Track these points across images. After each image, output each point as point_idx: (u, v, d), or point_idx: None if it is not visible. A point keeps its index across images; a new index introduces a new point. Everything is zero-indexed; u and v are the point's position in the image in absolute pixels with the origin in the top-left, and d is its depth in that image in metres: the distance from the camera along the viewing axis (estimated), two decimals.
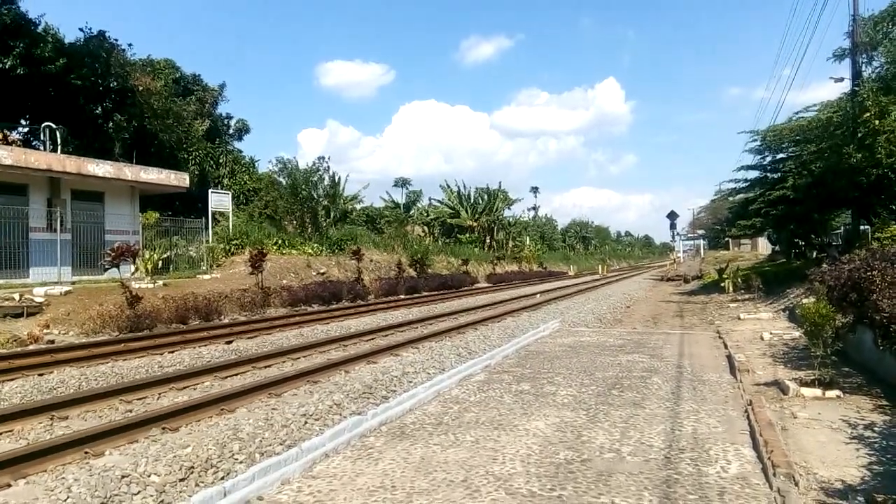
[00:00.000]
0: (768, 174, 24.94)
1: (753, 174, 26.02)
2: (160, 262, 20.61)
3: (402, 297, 24.86)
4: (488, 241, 54.05)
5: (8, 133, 22.09)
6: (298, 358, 10.47)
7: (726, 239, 63.19)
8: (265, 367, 9.67)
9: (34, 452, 5.14)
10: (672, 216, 50.32)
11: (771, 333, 12.14)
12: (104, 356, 10.31)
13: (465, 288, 31.84)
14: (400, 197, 60.69)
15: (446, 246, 45.17)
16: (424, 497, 4.28)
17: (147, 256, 19.54)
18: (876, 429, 5.77)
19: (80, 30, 30.09)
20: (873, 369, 8.02)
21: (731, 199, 32.70)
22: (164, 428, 6.08)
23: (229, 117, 42.50)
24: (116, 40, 31.17)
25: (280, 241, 26.29)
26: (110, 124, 29.29)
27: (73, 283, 17.54)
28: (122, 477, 4.67)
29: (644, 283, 39.94)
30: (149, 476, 4.76)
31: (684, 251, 64.67)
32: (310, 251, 26.84)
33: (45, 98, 26.72)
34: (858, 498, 4.01)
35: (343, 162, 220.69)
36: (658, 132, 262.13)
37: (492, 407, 6.78)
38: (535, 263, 53.23)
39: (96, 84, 28.50)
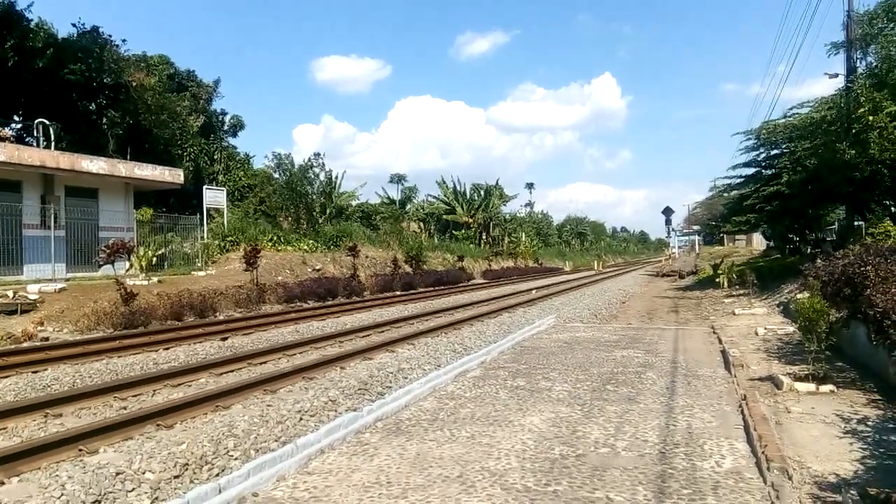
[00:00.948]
0: (763, 170, 25.00)
1: (748, 171, 26.10)
2: (155, 259, 20.57)
3: (398, 293, 24.87)
4: (484, 237, 54.04)
5: (1, 129, 21.97)
6: (294, 354, 10.45)
7: (721, 235, 63.26)
8: (260, 363, 9.65)
9: (28, 450, 5.11)
10: (667, 212, 50.53)
11: (765, 328, 12.18)
12: (99, 353, 10.27)
13: (461, 284, 31.88)
14: (395, 193, 60.60)
15: (442, 242, 45.13)
16: (420, 493, 4.29)
17: (142, 253, 19.49)
18: (869, 423, 5.81)
19: (73, 25, 29.86)
20: (867, 364, 8.07)
21: (726, 194, 32.74)
22: (158, 425, 6.06)
23: (224, 113, 42.33)
24: (110, 36, 31.00)
25: (275, 238, 26.20)
26: (104, 120, 29.16)
27: (68, 280, 17.46)
28: (117, 474, 4.65)
29: (639, 278, 40.04)
30: (143, 473, 4.75)
31: (680, 247, 64.85)
32: (305, 248, 26.78)
33: (39, 94, 26.56)
34: (852, 491, 4.02)
35: (338, 158, 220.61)
36: (654, 128, 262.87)
37: (487, 402, 6.80)
38: (530, 259, 53.34)
39: (90, 80, 28.31)
